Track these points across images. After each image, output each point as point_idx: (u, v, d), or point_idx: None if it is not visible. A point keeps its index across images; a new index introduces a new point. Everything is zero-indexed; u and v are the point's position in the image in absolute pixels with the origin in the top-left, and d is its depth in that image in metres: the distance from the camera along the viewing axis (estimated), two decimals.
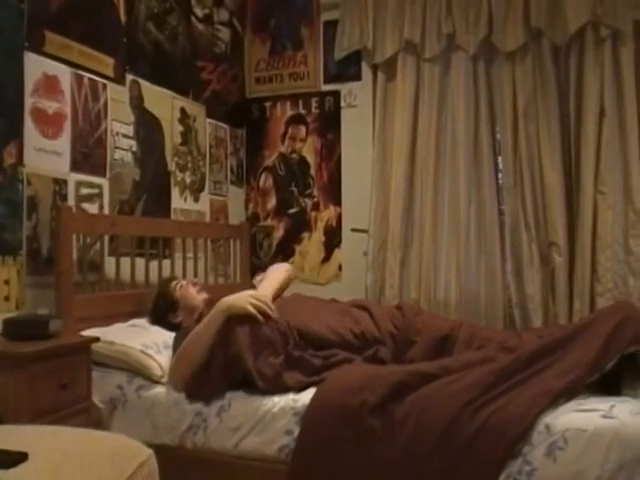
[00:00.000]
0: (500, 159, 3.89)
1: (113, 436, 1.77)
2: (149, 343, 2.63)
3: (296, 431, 2.22)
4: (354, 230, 4.15)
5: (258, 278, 3.11)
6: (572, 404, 2.04)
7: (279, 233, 4.39)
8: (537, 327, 3.53)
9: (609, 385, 2.18)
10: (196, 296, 2.95)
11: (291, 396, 2.33)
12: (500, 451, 1.93)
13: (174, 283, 3.01)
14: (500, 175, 3.90)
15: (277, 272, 2.95)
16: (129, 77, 3.36)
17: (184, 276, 3.56)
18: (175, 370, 2.50)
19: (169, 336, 2.77)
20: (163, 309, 2.94)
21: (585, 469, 1.87)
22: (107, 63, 3.19)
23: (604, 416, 1.94)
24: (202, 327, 2.52)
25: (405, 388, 2.15)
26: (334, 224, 4.26)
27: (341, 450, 2.10)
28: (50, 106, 2.83)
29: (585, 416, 1.96)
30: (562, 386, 2.06)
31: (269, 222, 4.42)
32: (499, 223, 3.83)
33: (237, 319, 2.48)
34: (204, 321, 2.55)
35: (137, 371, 2.55)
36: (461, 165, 3.86)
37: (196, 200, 3.93)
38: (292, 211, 4.36)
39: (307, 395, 2.30)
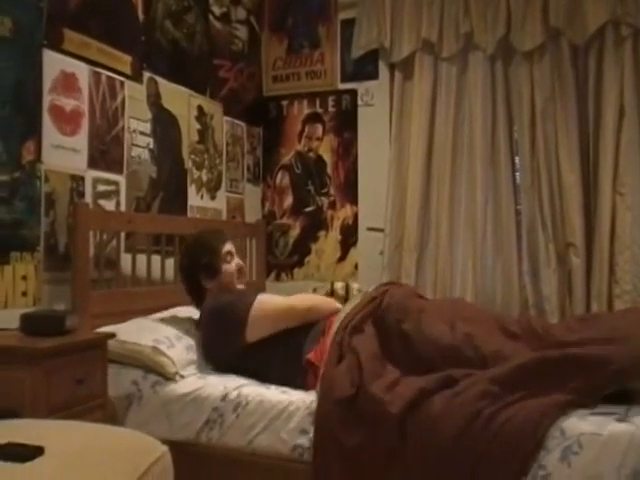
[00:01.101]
0: (517, 159, 3.88)
1: (128, 432, 1.78)
2: (161, 338, 2.63)
3: (310, 430, 2.22)
4: (370, 229, 4.15)
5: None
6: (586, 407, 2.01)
7: (295, 231, 4.39)
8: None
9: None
10: (235, 284, 2.91)
11: (307, 396, 2.33)
12: (515, 465, 1.91)
13: (226, 252, 2.92)
14: (517, 175, 3.89)
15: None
16: (146, 75, 3.37)
17: None
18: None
19: (183, 327, 2.80)
20: (201, 269, 2.88)
21: (600, 474, 1.84)
22: (125, 61, 3.21)
23: (619, 420, 1.91)
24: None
25: (423, 396, 2.13)
26: (350, 223, 4.25)
27: (358, 457, 2.11)
28: (68, 103, 2.85)
29: (600, 420, 1.93)
30: (573, 397, 2.03)
31: (285, 220, 4.43)
32: (516, 223, 3.81)
33: None
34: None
35: (151, 369, 2.55)
36: (478, 165, 3.84)
37: (213, 198, 3.94)
38: (308, 210, 4.37)
39: None
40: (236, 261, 2.94)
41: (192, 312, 3.07)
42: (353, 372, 2.26)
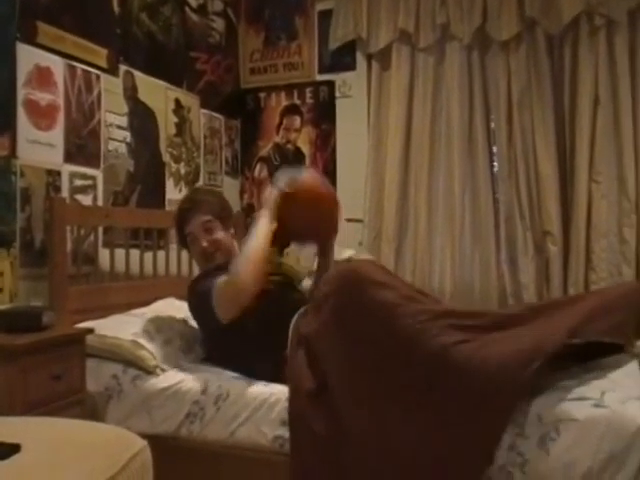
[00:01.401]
0: (495, 148, 3.90)
1: (106, 427, 1.78)
2: (139, 332, 2.63)
3: None
4: (349, 220, 4.14)
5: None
6: (561, 392, 2.03)
7: (274, 224, 4.37)
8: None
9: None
10: (204, 266, 2.72)
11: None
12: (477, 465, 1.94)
13: (188, 234, 2.72)
14: (495, 164, 3.91)
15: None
16: (123, 68, 3.35)
17: (179, 267, 3.56)
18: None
19: (162, 320, 2.79)
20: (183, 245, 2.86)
21: (577, 460, 1.86)
22: (101, 54, 3.19)
23: (595, 405, 1.93)
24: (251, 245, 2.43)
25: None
26: None
27: (334, 448, 2.12)
28: (43, 98, 2.83)
29: (576, 405, 1.95)
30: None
31: None
32: (494, 212, 3.84)
33: None
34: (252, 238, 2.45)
35: (131, 363, 2.55)
36: (455, 154, 3.86)
37: None
38: None
39: None
40: (200, 243, 2.69)
41: (172, 304, 3.07)
42: (310, 364, 2.25)
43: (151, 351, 2.55)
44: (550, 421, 1.93)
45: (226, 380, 2.44)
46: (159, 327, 2.72)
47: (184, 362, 2.65)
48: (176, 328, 2.79)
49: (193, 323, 2.81)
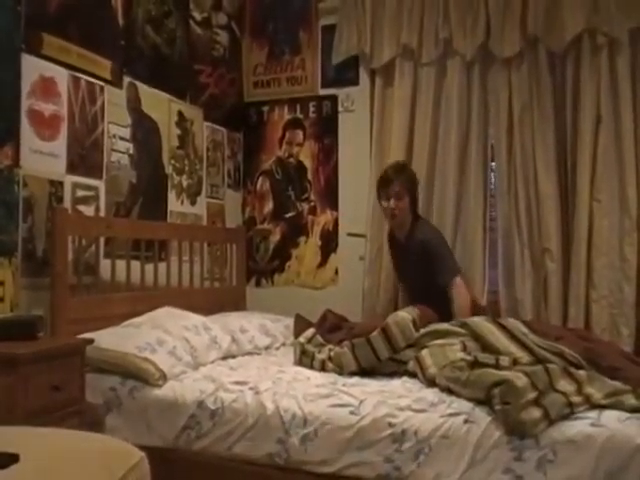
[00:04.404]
0: (494, 164, 3.90)
1: (105, 438, 1.77)
2: (142, 344, 2.63)
3: (286, 440, 2.23)
4: (350, 235, 4.15)
5: None
6: None
7: (276, 237, 4.39)
8: None
9: None
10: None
11: (282, 405, 2.33)
12: None
13: (382, 195, 3.44)
14: (493, 180, 3.91)
15: None
16: (126, 80, 3.37)
17: (180, 279, 3.56)
18: None
19: (163, 330, 2.81)
20: None
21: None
22: (105, 66, 3.20)
23: (592, 424, 1.93)
24: None
25: None
26: (330, 228, 4.26)
27: None
28: (47, 108, 2.84)
29: (573, 425, 1.95)
30: None
31: (266, 226, 4.42)
32: (483, 228, 3.84)
33: None
34: None
35: (134, 375, 2.55)
36: (453, 169, 3.86)
37: (193, 203, 3.94)
38: (289, 215, 4.37)
39: (294, 406, 2.31)
40: (385, 205, 3.40)
41: (172, 313, 3.07)
42: None
43: (155, 363, 2.55)
44: (547, 443, 1.92)
45: (221, 392, 2.45)
46: (160, 339, 2.72)
47: (189, 369, 2.67)
48: (177, 336, 2.79)
49: (194, 330, 2.85)
